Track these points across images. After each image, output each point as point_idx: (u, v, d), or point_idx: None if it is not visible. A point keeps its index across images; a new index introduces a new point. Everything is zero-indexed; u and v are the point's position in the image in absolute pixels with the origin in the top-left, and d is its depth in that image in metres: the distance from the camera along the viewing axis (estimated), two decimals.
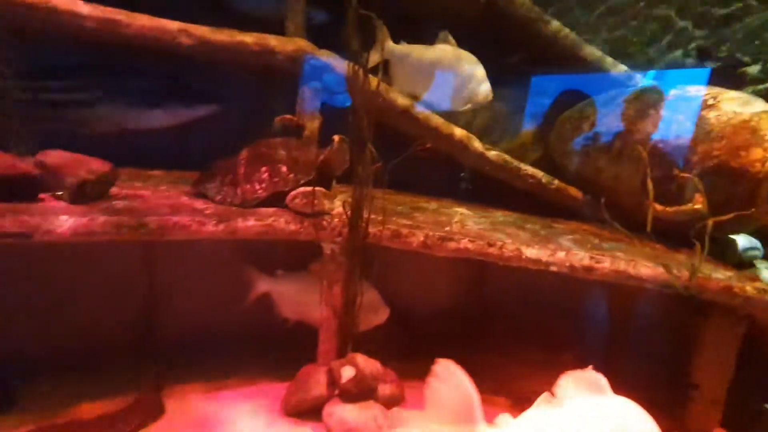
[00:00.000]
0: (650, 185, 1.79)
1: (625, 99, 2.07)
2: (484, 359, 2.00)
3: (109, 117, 1.93)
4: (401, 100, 1.99)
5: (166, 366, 1.51)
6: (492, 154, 2.12)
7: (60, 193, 1.38)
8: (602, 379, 1.26)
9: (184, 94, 2.05)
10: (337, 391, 1.57)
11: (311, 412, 1.56)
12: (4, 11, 1.47)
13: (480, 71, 2.01)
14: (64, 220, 1.25)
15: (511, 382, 1.84)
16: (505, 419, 1.20)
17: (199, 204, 1.59)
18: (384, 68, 1.95)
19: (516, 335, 2.05)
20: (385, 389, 1.64)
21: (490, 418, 1.65)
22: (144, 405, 1.44)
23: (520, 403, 1.58)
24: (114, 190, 1.54)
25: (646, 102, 1.98)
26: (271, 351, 1.80)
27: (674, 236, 1.75)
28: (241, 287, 1.78)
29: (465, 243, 1.61)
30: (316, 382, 1.59)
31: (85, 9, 1.62)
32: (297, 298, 1.75)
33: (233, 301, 1.77)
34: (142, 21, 1.70)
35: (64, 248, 1.51)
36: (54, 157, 1.39)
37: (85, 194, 1.38)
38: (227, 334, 1.77)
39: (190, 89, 2.07)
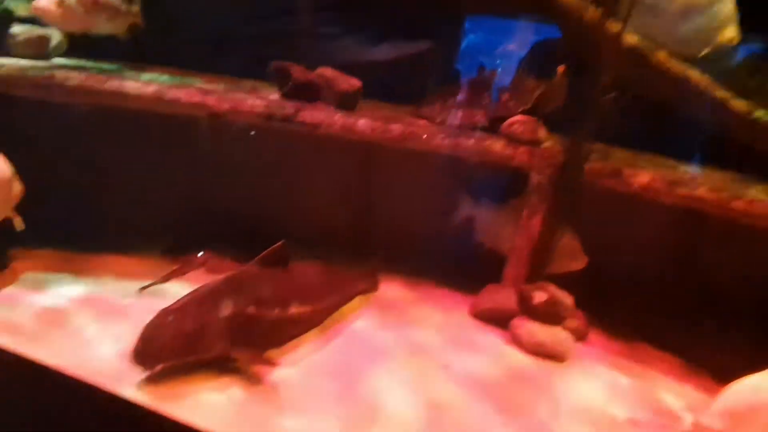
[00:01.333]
0: None
1: None
2: (677, 329, 1.84)
3: (349, 49, 2.27)
4: (628, 37, 1.85)
5: (381, 256, 1.81)
6: (738, 104, 1.83)
7: (329, 99, 1.73)
8: None
9: (402, 32, 2.26)
10: (525, 311, 1.67)
11: (497, 320, 1.71)
12: None
13: (726, 7, 1.72)
14: (338, 119, 1.59)
15: (708, 357, 1.70)
16: None
17: (423, 123, 1.80)
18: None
19: (727, 313, 1.82)
20: (572, 323, 1.68)
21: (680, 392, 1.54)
22: (367, 278, 1.78)
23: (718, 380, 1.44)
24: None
25: None
26: (460, 266, 1.97)
27: None
28: (450, 206, 1.98)
29: (701, 191, 1.46)
30: (507, 297, 1.72)
31: None
32: (495, 227, 1.87)
33: (441, 215, 1.98)
34: None
35: (313, 146, 1.87)
36: (328, 71, 1.74)
37: (345, 102, 1.71)
38: (429, 243, 1.99)
39: (407, 27, 2.26)
